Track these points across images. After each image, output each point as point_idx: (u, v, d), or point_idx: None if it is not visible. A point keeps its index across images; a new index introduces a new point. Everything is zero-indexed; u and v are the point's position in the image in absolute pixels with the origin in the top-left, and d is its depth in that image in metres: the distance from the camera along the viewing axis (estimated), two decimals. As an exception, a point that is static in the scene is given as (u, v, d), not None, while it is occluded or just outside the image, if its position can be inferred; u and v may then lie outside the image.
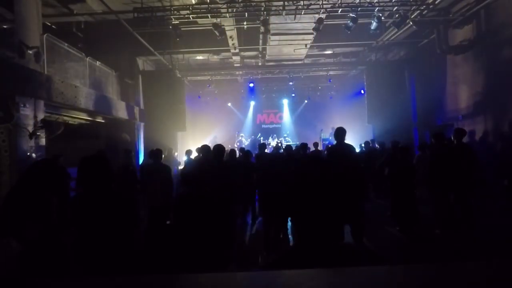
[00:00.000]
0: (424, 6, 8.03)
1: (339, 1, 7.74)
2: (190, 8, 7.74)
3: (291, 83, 14.73)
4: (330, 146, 5.84)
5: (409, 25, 8.43)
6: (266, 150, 7.39)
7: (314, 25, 8.28)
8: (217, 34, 8.20)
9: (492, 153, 7.32)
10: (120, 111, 9.61)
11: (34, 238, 1.86)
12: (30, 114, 5.67)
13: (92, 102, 7.92)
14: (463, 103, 8.73)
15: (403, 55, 11.97)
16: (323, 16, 8.06)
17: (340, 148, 4.42)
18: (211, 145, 4.81)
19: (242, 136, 15.85)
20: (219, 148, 4.32)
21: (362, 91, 13.50)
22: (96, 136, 9.53)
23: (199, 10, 7.81)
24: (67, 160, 5.57)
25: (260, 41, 10.30)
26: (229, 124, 17.29)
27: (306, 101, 17.34)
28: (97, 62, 8.82)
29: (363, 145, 9.53)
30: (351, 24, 7.91)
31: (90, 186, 1.94)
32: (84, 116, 8.29)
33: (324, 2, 7.60)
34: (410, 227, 5.13)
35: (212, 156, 4.40)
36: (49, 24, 8.37)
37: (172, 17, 7.79)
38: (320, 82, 15.78)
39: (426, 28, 9.29)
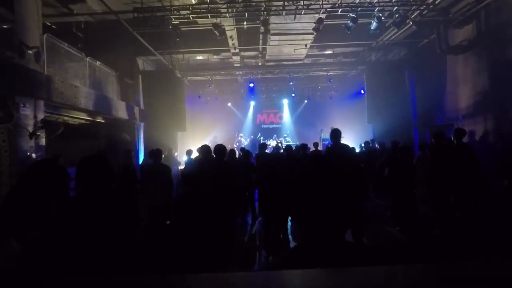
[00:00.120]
0: (424, 6, 8.04)
1: (339, 1, 7.74)
2: (190, 8, 7.74)
3: (291, 83, 14.73)
4: (328, 146, 5.86)
5: (409, 25, 8.43)
6: (266, 150, 7.39)
7: (314, 25, 8.28)
8: (217, 34, 8.20)
9: (492, 153, 7.32)
10: (120, 111, 9.61)
11: (34, 238, 1.86)
12: (30, 114, 5.67)
13: (92, 102, 7.92)
14: (463, 103, 8.73)
15: (403, 55, 11.97)
16: (323, 16, 8.06)
17: (336, 148, 4.43)
18: (211, 145, 4.81)
19: (241, 136, 15.85)
20: (220, 148, 4.31)
21: (362, 91, 13.50)
22: (96, 136, 9.53)
23: (199, 10, 7.81)
24: (67, 160, 5.57)
25: (260, 41, 10.30)
26: (229, 124, 17.29)
27: (306, 101, 17.34)
28: (97, 62, 8.82)
29: (363, 145, 9.53)
30: (351, 24, 7.91)
31: (90, 186, 1.94)
32: (84, 116, 8.29)
33: (324, 2, 7.60)
34: (410, 227, 5.13)
35: (214, 156, 4.39)
36: (49, 24, 8.37)
37: (172, 17, 7.79)
38: (320, 82, 15.78)
39: (426, 28, 9.30)
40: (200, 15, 7.91)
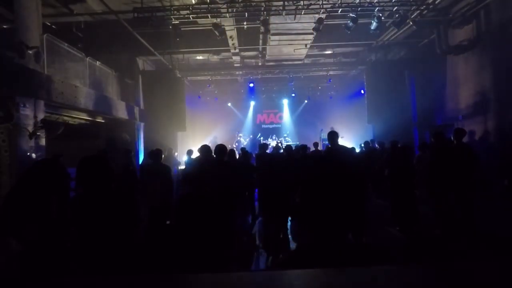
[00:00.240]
0: (424, 6, 8.04)
1: (339, 1, 7.74)
2: (190, 8, 7.74)
3: (291, 83, 14.74)
4: (328, 147, 5.86)
5: (409, 25, 8.43)
6: (266, 150, 7.39)
7: (314, 25, 8.28)
8: (217, 34, 8.20)
9: (492, 153, 7.32)
10: (120, 111, 9.60)
11: (34, 238, 1.86)
12: (30, 114, 5.67)
13: (92, 102, 7.92)
14: (463, 103, 8.73)
15: (403, 55, 11.98)
16: (323, 16, 8.06)
17: (335, 150, 4.42)
18: (211, 145, 4.81)
19: (240, 136, 15.85)
20: (220, 148, 4.32)
21: (362, 91, 13.50)
22: (96, 136, 9.53)
23: (199, 10, 7.81)
24: (67, 160, 5.56)
25: (260, 41, 10.30)
26: (229, 124, 17.29)
27: (306, 101, 17.34)
28: (97, 62, 8.82)
29: (363, 145, 9.54)
30: (351, 24, 7.91)
31: (90, 186, 1.94)
32: (84, 116, 8.29)
33: (324, 2, 7.60)
34: (410, 227, 5.13)
35: (214, 156, 4.39)
36: (49, 24, 8.36)
37: (172, 17, 7.79)
38: (320, 82, 15.78)
39: (426, 28, 9.29)
40: (200, 15, 7.91)
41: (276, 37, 9.96)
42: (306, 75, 14.91)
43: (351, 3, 7.82)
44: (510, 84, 6.99)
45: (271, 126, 18.45)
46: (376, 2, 7.83)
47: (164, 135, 10.84)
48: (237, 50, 10.98)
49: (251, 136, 16.38)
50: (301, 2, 7.59)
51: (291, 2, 7.62)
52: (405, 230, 5.14)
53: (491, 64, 7.65)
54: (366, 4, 7.84)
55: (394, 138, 7.63)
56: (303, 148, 6.79)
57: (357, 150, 9.49)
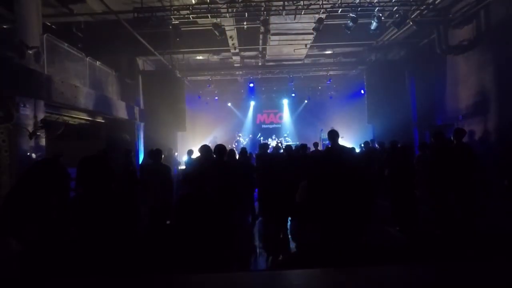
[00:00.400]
0: (424, 6, 8.04)
1: (339, 1, 7.74)
2: (190, 8, 7.74)
3: (291, 83, 14.74)
4: (327, 146, 5.84)
5: (409, 25, 8.43)
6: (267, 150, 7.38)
7: (314, 25, 8.27)
8: (217, 34, 8.20)
9: (492, 153, 7.32)
10: (120, 111, 9.60)
11: (34, 238, 1.86)
12: (30, 114, 5.67)
13: (92, 102, 7.92)
14: (463, 103, 8.73)
15: (403, 55, 11.97)
16: (323, 16, 8.05)
17: (335, 149, 4.38)
18: (211, 145, 4.81)
19: (240, 136, 15.84)
20: (220, 148, 4.32)
21: (362, 91, 13.49)
22: (96, 136, 9.53)
23: (199, 10, 7.81)
24: (67, 160, 5.56)
25: (260, 41, 10.30)
26: (229, 124, 17.28)
27: (306, 101, 17.32)
28: (97, 62, 8.81)
29: (362, 145, 9.54)
30: (351, 24, 7.91)
31: (90, 186, 1.94)
32: (84, 116, 8.29)
33: (324, 2, 7.60)
34: (410, 227, 5.13)
35: (215, 156, 4.39)
36: (49, 24, 8.36)
37: (172, 17, 7.79)
38: (320, 82, 15.77)
39: (426, 28, 9.29)
40: (200, 15, 7.91)
41: (276, 37, 9.96)
42: (306, 75, 14.90)
43: (351, 3, 7.82)
44: (510, 84, 6.99)
45: (271, 126, 18.44)
46: (376, 2, 7.83)
47: (164, 135, 10.84)
48: (237, 50, 10.98)
49: (251, 136, 16.37)
50: (301, 2, 7.59)
51: (291, 2, 7.62)
52: (405, 230, 5.14)
53: (491, 64, 7.65)
54: (366, 4, 7.84)
55: (394, 138, 7.63)
56: (303, 147, 6.79)
57: (357, 150, 9.49)
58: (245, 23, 8.90)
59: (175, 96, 11.63)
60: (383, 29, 9.53)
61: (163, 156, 5.65)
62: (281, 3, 7.60)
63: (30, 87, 5.70)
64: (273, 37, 9.84)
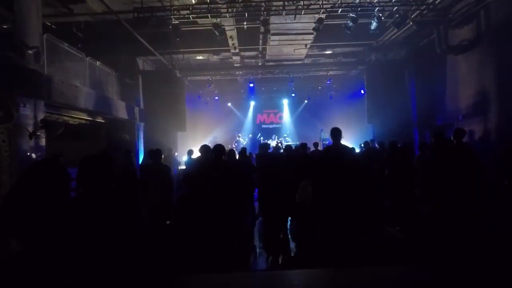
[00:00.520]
0: (424, 6, 8.04)
1: (339, 1, 7.74)
2: (190, 8, 7.74)
3: (291, 83, 14.74)
4: (327, 146, 5.82)
5: (409, 25, 8.43)
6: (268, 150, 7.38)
7: (314, 25, 8.27)
8: (217, 34, 8.20)
9: (492, 153, 7.32)
10: (120, 111, 9.60)
11: (34, 238, 1.86)
12: (30, 114, 5.66)
13: (92, 102, 7.92)
14: (463, 103, 8.73)
15: (403, 55, 11.97)
16: (323, 16, 8.06)
17: (336, 148, 4.35)
18: (211, 145, 4.81)
19: (240, 136, 15.84)
20: (218, 148, 4.32)
21: (362, 91, 13.49)
22: (96, 136, 9.53)
23: (199, 10, 7.81)
24: (67, 160, 5.56)
25: (260, 41, 10.30)
26: (229, 124, 17.27)
27: (306, 101, 17.32)
28: (97, 62, 8.81)
29: (362, 145, 9.54)
30: (351, 24, 7.91)
31: (90, 186, 1.94)
32: (84, 116, 8.29)
33: (324, 2, 7.60)
34: (410, 227, 5.13)
35: (213, 156, 4.40)
36: (49, 24, 8.36)
37: (172, 17, 7.79)
38: (320, 82, 15.77)
39: (426, 28, 9.29)
40: (200, 15, 7.91)
41: (276, 37, 9.96)
42: (306, 75, 14.90)
43: (351, 3, 7.82)
44: (510, 84, 6.99)
45: (271, 126, 18.43)
46: (376, 2, 7.83)
47: (164, 135, 10.84)
48: (237, 50, 10.98)
49: (251, 136, 16.37)
50: (301, 2, 7.59)
51: (291, 2, 7.62)
52: (405, 230, 5.14)
53: (491, 64, 7.65)
54: (366, 4, 7.84)
55: (394, 138, 7.62)
56: (303, 147, 6.79)
57: (357, 150, 9.49)
58: (245, 23, 8.90)
59: (175, 96, 11.63)
60: (383, 29, 9.53)
61: (163, 156, 5.65)
62: (281, 3, 7.60)
63: (30, 87, 5.69)
64: (273, 37, 9.84)
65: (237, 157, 6.73)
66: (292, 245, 4.71)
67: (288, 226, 4.93)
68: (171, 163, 7.95)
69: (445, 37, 9.08)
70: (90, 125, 9.12)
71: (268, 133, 16.73)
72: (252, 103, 17.62)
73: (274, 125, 18.51)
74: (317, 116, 17.08)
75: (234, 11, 7.89)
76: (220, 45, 9.97)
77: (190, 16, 7.82)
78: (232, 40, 9.81)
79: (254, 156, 7.84)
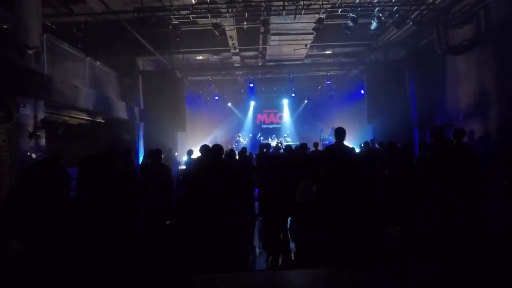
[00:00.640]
0: (424, 6, 8.04)
1: (339, 1, 7.74)
2: (190, 8, 7.74)
3: (291, 83, 14.74)
4: (328, 146, 5.79)
5: (409, 25, 8.43)
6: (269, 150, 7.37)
7: (314, 25, 8.27)
8: (217, 34, 8.20)
9: (492, 153, 7.32)
10: (120, 111, 9.60)
11: (34, 238, 1.86)
12: (30, 114, 5.66)
13: (92, 102, 7.92)
14: (463, 103, 8.73)
15: (403, 55, 11.97)
16: (323, 16, 8.06)
17: (338, 148, 4.35)
18: (211, 145, 4.81)
19: (240, 136, 15.84)
20: (216, 148, 4.31)
21: (362, 91, 13.48)
22: (96, 136, 9.53)
23: (199, 10, 7.81)
24: (67, 160, 5.56)
25: (260, 41, 10.30)
26: (229, 124, 17.28)
27: (306, 101, 17.33)
28: (97, 62, 8.81)
29: (362, 145, 9.54)
30: (351, 24, 7.91)
31: (91, 186, 1.94)
32: (84, 116, 8.29)
33: (324, 2, 7.60)
34: (410, 227, 5.13)
35: (212, 156, 4.39)
36: (49, 24, 8.36)
37: (172, 17, 7.79)
38: (320, 82, 15.77)
39: (426, 28, 9.29)
40: (200, 15, 7.91)
41: (276, 37, 9.96)
42: (306, 75, 14.90)
43: (351, 3, 7.82)
44: (510, 84, 6.99)
45: (271, 126, 18.43)
46: (376, 2, 7.83)
47: (164, 135, 10.84)
48: (237, 50, 10.98)
49: (251, 136, 16.37)
50: (301, 2, 7.59)
51: (291, 2, 7.62)
52: (405, 230, 5.13)
53: (491, 64, 7.65)
54: (366, 4, 7.84)
55: (394, 138, 7.63)
56: (303, 147, 6.79)
57: (357, 150, 9.49)
58: (245, 23, 8.90)
59: (175, 96, 11.63)
60: (383, 29, 9.53)
61: (163, 156, 5.65)
62: (281, 3, 7.60)
63: (30, 87, 5.69)
64: (273, 37, 9.84)
65: (237, 157, 6.74)
66: (292, 245, 4.70)
67: (288, 226, 4.92)
68: (171, 163, 7.94)
69: (445, 37, 9.08)
70: (90, 125, 9.12)
71: (268, 133, 16.73)
72: (252, 103, 17.62)
73: (274, 125, 18.51)
74: (317, 116, 17.09)
75: (234, 11, 7.89)
76: (220, 45, 9.97)
77: (190, 16, 7.82)
78: (232, 40, 9.81)
79: (254, 156, 7.84)
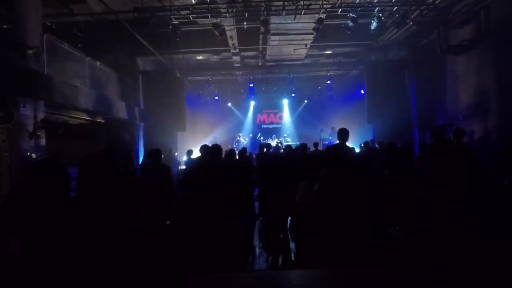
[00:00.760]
0: (424, 6, 8.03)
1: (339, 1, 7.74)
2: (190, 8, 7.74)
3: (291, 83, 14.73)
4: (329, 146, 5.79)
5: (409, 25, 8.43)
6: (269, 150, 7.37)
7: (314, 25, 8.27)
8: (217, 34, 8.20)
9: (492, 153, 7.32)
10: (120, 111, 9.60)
11: (34, 238, 1.86)
12: (30, 114, 5.66)
13: (92, 102, 7.92)
14: (463, 103, 8.73)
15: (403, 55, 11.97)
16: (323, 16, 8.06)
17: (341, 148, 4.33)
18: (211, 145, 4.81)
19: (240, 136, 15.85)
20: (215, 148, 4.31)
21: (362, 91, 13.48)
22: (96, 136, 9.53)
23: (199, 10, 7.81)
24: (67, 160, 5.56)
25: (260, 41, 10.30)
26: (229, 124, 17.29)
27: (306, 101, 17.34)
28: (97, 62, 8.81)
29: (362, 145, 9.53)
30: (351, 24, 7.91)
31: (91, 186, 1.94)
32: (84, 116, 8.28)
33: (324, 2, 7.60)
34: (410, 227, 5.13)
35: (211, 156, 4.39)
36: (49, 24, 8.36)
37: (172, 17, 7.79)
38: (320, 82, 15.78)
39: (426, 28, 9.29)
40: (200, 15, 7.91)
41: (276, 37, 9.96)
42: (306, 75, 14.90)
43: (351, 3, 7.82)
44: (510, 84, 6.99)
45: (271, 126, 18.43)
46: (376, 2, 7.83)
47: (164, 135, 10.84)
48: (237, 50, 10.98)
49: (251, 136, 16.38)
50: (301, 2, 7.59)
51: (291, 2, 7.62)
52: (405, 230, 5.13)
53: (491, 64, 7.65)
54: (366, 4, 7.84)
55: (394, 138, 7.63)
56: (303, 147, 6.79)
57: (357, 150, 9.49)
58: (245, 23, 8.90)
59: (175, 96, 11.63)
60: (383, 29, 9.53)
61: (163, 156, 5.64)
62: (281, 3, 7.60)
63: (30, 87, 5.69)
64: (273, 37, 9.84)
65: (237, 157, 6.74)
66: (292, 245, 4.70)
67: (288, 226, 4.92)
68: (171, 163, 7.94)
69: (445, 37, 9.09)
70: (90, 125, 9.11)
71: (268, 133, 16.73)
72: (252, 103, 17.63)
73: (274, 125, 18.51)
74: (317, 116, 17.09)
75: (234, 11, 7.89)
76: (220, 45, 9.97)
77: (190, 16, 7.81)
78: (232, 40, 9.81)
79: (254, 156, 7.84)
